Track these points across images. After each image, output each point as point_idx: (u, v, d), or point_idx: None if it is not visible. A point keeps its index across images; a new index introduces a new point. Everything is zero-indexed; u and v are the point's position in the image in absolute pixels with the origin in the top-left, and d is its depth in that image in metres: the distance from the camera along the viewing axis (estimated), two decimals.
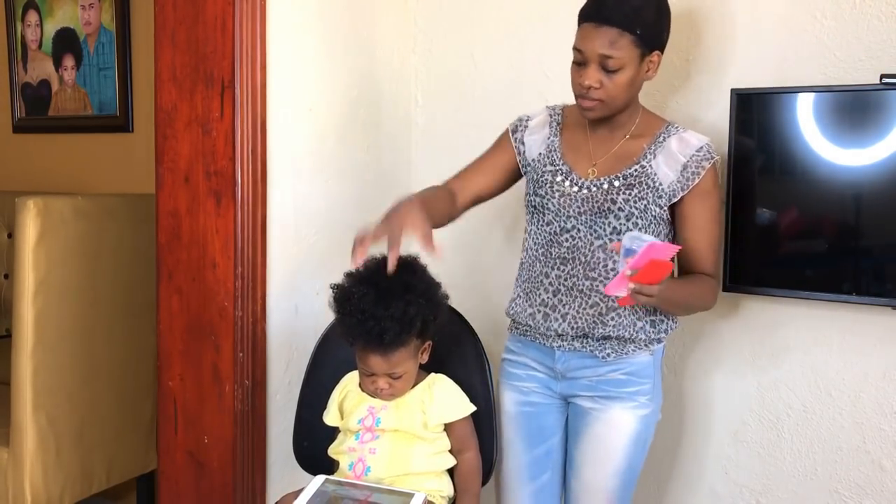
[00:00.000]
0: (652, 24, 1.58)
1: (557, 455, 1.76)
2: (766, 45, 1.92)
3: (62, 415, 2.23)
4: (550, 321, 1.67)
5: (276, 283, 1.92)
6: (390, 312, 1.46)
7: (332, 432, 1.65)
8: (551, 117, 1.77)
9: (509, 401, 1.77)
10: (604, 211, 1.63)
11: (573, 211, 1.66)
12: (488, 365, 1.71)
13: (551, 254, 1.68)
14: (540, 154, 1.74)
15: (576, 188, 1.67)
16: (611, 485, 1.69)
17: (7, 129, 3.42)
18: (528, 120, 1.79)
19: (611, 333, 1.64)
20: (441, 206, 1.68)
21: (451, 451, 1.60)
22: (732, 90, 1.87)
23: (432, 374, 1.61)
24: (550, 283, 1.68)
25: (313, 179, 2.03)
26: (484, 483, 1.68)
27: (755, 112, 1.86)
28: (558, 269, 1.67)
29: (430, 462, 1.57)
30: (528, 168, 1.75)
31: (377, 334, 1.46)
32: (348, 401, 1.62)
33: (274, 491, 1.94)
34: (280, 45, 1.89)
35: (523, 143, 1.76)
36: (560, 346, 1.68)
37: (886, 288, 1.75)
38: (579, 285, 1.65)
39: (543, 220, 1.70)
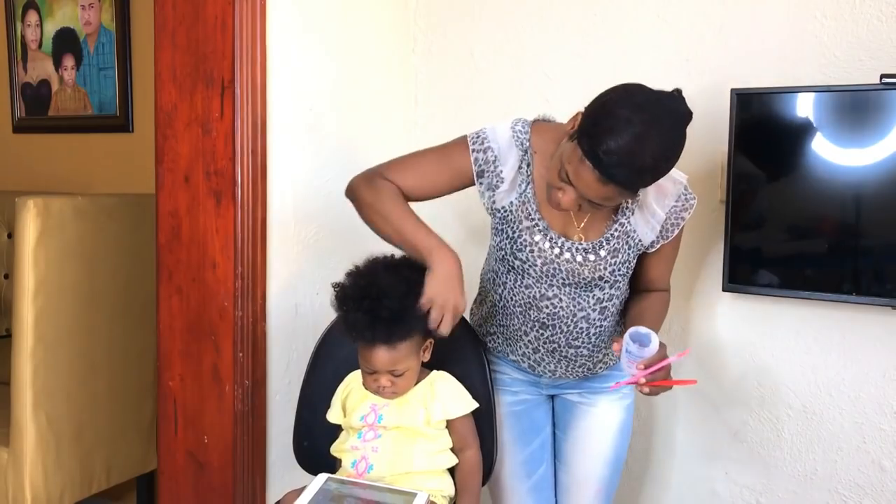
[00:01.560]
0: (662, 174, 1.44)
1: (549, 447, 1.80)
2: (766, 45, 1.92)
3: (62, 415, 2.23)
4: (539, 371, 1.71)
5: (276, 283, 1.92)
6: (400, 306, 1.47)
7: (333, 432, 1.65)
8: (522, 159, 1.58)
9: (501, 402, 1.76)
10: (590, 285, 1.59)
11: (557, 281, 1.58)
12: (488, 364, 1.70)
13: (530, 315, 1.63)
14: (511, 203, 1.58)
15: (557, 250, 1.57)
16: (601, 474, 1.75)
17: (7, 129, 3.42)
18: (496, 163, 1.57)
19: (605, 372, 1.73)
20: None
21: (452, 450, 1.60)
22: (732, 90, 1.87)
23: (434, 371, 1.61)
24: (530, 342, 1.67)
25: (313, 179, 2.03)
26: (484, 482, 1.68)
27: (755, 112, 1.86)
28: (537, 331, 1.64)
29: (432, 460, 1.57)
30: (497, 214, 1.61)
31: (384, 327, 1.46)
32: (351, 398, 1.62)
33: (274, 491, 1.94)
34: (280, 45, 1.89)
35: (491, 191, 1.59)
36: (551, 376, 1.73)
37: (886, 288, 1.75)
38: (562, 351, 1.66)
39: (522, 283, 1.62)
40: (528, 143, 1.59)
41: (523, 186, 1.58)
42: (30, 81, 3.32)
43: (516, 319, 1.66)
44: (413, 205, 1.62)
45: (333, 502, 1.45)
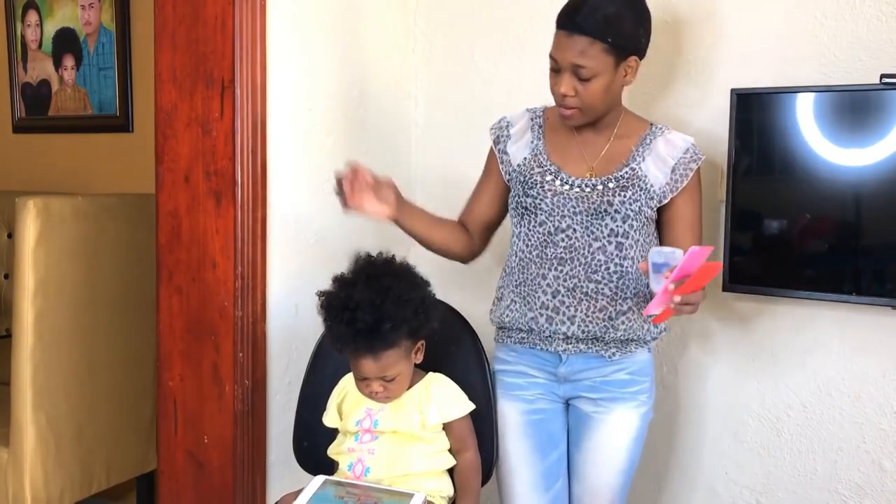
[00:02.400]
0: (626, 31, 1.56)
1: (565, 462, 1.76)
2: (766, 45, 1.92)
3: (62, 415, 2.23)
4: (556, 324, 1.64)
5: (276, 283, 1.92)
6: (377, 316, 1.46)
7: (332, 432, 1.65)
8: (532, 121, 1.75)
9: (514, 411, 1.72)
10: (600, 213, 1.63)
11: (568, 210, 1.64)
12: (488, 365, 1.70)
13: (547, 254, 1.65)
14: (525, 159, 1.71)
15: (567, 186, 1.65)
16: (614, 483, 1.72)
17: (7, 129, 3.42)
18: (509, 126, 1.76)
19: (622, 337, 1.65)
20: (434, 222, 1.77)
21: (450, 451, 1.60)
22: (732, 90, 1.87)
23: (430, 374, 1.61)
24: (549, 285, 1.65)
25: (313, 179, 2.03)
26: (484, 483, 1.68)
27: (755, 112, 1.86)
28: (556, 269, 1.64)
29: (430, 462, 1.56)
30: (513, 174, 1.72)
31: (365, 338, 1.46)
32: (346, 402, 1.62)
33: (274, 491, 1.94)
34: (280, 45, 1.89)
35: (507, 153, 1.74)
36: (566, 350, 1.67)
37: (886, 288, 1.75)
38: (582, 287, 1.63)
39: (535, 221, 1.67)
40: (540, 111, 1.77)
41: (535, 142, 1.72)
42: (30, 81, 3.32)
43: (533, 266, 1.66)
44: None
45: None
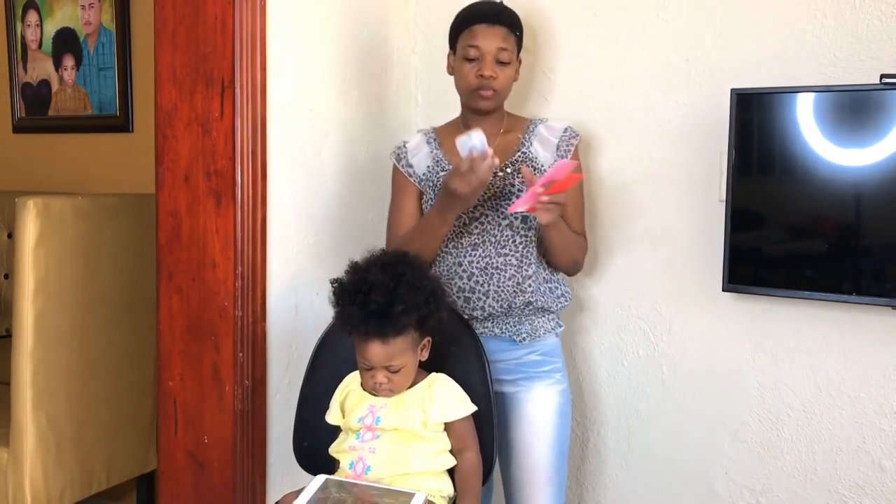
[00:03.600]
0: (522, 30, 1.84)
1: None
2: (766, 45, 1.92)
3: (62, 415, 2.23)
4: (473, 303, 1.80)
5: (276, 283, 1.92)
6: (389, 299, 1.47)
7: (333, 432, 1.65)
8: (426, 135, 1.93)
9: None
10: (506, 194, 1.81)
11: (479, 200, 1.78)
12: (488, 365, 1.70)
13: (462, 244, 1.81)
14: (428, 167, 1.87)
15: None
16: (547, 458, 1.82)
17: (7, 129, 3.42)
18: (406, 145, 1.93)
19: (529, 299, 1.80)
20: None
21: (451, 451, 1.60)
22: (732, 90, 1.87)
23: (433, 374, 1.61)
24: (464, 270, 1.80)
25: (313, 179, 2.03)
26: (483, 482, 1.68)
27: (755, 112, 1.86)
28: (470, 255, 1.80)
29: (430, 462, 1.56)
30: (422, 182, 1.87)
31: (376, 320, 1.47)
32: (349, 399, 1.62)
33: (274, 491, 1.94)
34: (280, 45, 1.89)
35: (411, 165, 1.89)
36: (482, 333, 1.79)
37: (886, 288, 1.75)
38: (494, 263, 1.80)
39: None
40: (430, 131, 1.96)
41: (433, 152, 1.89)
42: (30, 81, 3.32)
43: (449, 256, 1.82)
44: None
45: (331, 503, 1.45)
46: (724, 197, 1.92)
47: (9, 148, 3.42)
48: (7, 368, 2.18)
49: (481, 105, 1.82)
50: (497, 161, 1.64)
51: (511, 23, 1.81)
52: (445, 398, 1.57)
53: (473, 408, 1.60)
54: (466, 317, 1.80)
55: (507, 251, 1.80)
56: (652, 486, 2.17)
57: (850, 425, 1.91)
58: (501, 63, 1.78)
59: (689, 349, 2.08)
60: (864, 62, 1.81)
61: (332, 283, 1.56)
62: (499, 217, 1.81)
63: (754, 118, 1.86)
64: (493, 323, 1.82)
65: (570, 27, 2.16)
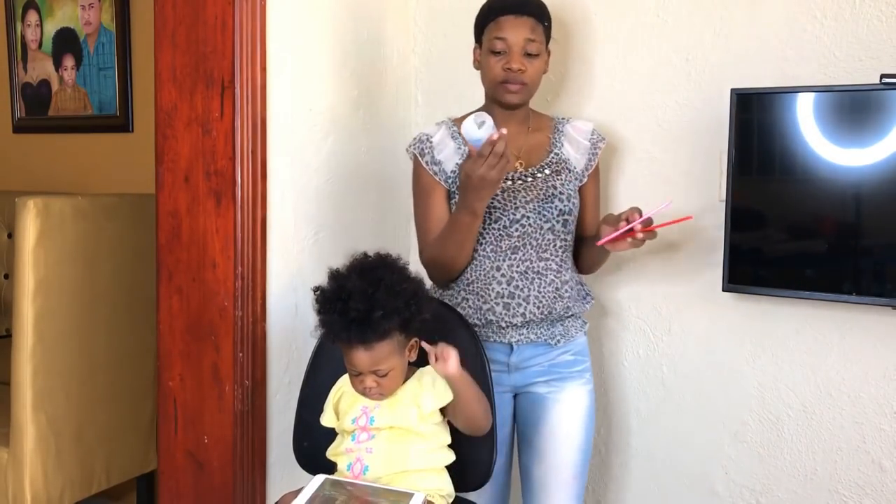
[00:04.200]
0: (550, 20, 1.79)
1: (508, 445, 1.87)
2: (766, 45, 1.92)
3: (62, 415, 2.23)
4: (513, 309, 1.75)
5: (276, 283, 1.92)
6: (368, 306, 1.47)
7: (332, 432, 1.65)
8: (449, 128, 1.84)
9: None
10: (549, 196, 1.77)
11: (520, 201, 1.75)
12: (487, 363, 1.70)
13: (501, 247, 1.76)
14: (457, 164, 1.79)
15: (510, 182, 1.77)
16: (574, 459, 1.81)
17: (7, 129, 3.42)
18: (429, 139, 1.82)
19: (568, 304, 1.79)
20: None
21: (449, 446, 1.59)
22: (732, 90, 1.87)
23: (420, 369, 1.60)
24: (503, 275, 1.75)
25: (313, 179, 2.03)
26: (483, 482, 1.68)
27: (755, 112, 1.86)
28: (510, 258, 1.75)
29: (428, 459, 1.56)
30: (450, 181, 1.79)
31: (357, 328, 1.47)
32: (343, 402, 1.62)
33: (274, 491, 1.94)
34: (280, 45, 1.89)
35: (437, 163, 1.80)
36: (518, 341, 1.78)
37: (886, 288, 1.75)
38: (534, 267, 1.76)
39: (490, 219, 1.75)
40: (451, 122, 1.86)
41: (461, 148, 1.80)
42: (30, 81, 3.32)
43: (487, 261, 1.76)
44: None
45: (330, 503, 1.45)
46: (724, 197, 1.92)
47: (9, 148, 3.42)
48: (7, 368, 2.18)
49: (509, 99, 1.76)
50: (505, 132, 1.56)
51: (539, 13, 1.75)
52: (436, 383, 1.56)
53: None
54: (504, 325, 1.76)
55: (548, 255, 1.77)
56: (652, 486, 2.17)
57: (850, 425, 1.91)
58: (530, 55, 1.72)
59: (689, 349, 2.08)
60: (864, 62, 1.81)
61: (313, 290, 1.55)
62: (540, 220, 1.76)
63: (754, 118, 1.86)
64: (528, 329, 1.78)
65: (570, 27, 2.16)
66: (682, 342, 2.08)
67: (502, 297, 1.75)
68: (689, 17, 2.01)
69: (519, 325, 1.76)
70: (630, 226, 1.61)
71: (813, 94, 1.79)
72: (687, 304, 2.07)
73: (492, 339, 1.79)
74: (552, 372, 1.81)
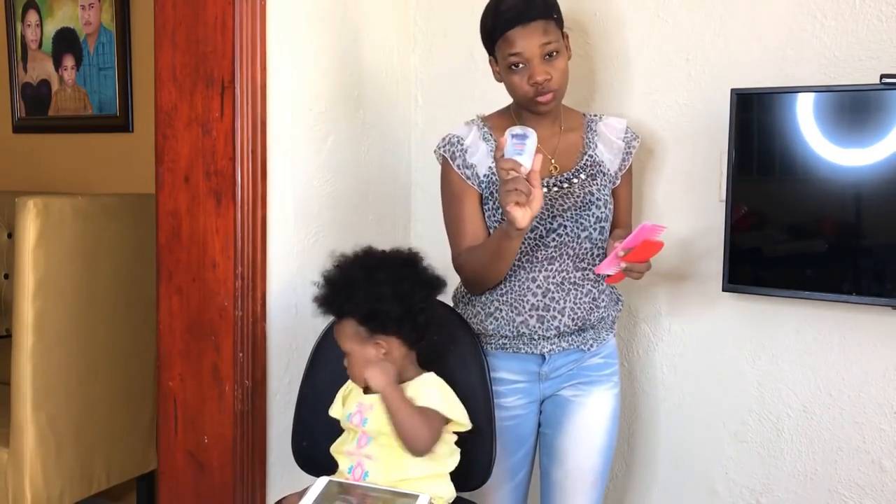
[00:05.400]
0: (556, 5, 1.68)
1: (533, 452, 1.83)
2: (766, 45, 1.92)
3: (62, 415, 2.23)
4: (547, 322, 1.68)
5: (276, 283, 1.92)
6: (334, 284, 1.54)
7: (332, 432, 1.65)
8: (480, 129, 1.74)
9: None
10: (587, 204, 1.70)
11: (557, 209, 1.68)
12: (487, 365, 1.70)
13: (537, 257, 1.68)
14: (490, 167, 1.70)
15: (545, 189, 1.67)
16: (596, 464, 1.78)
17: (7, 129, 3.42)
18: (460, 141, 1.72)
19: (603, 314, 1.73)
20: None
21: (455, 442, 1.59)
22: (732, 90, 1.87)
23: (425, 374, 1.59)
24: (538, 286, 1.67)
25: (313, 179, 2.03)
26: (480, 485, 1.68)
27: (755, 112, 1.86)
28: (546, 269, 1.68)
29: (428, 466, 1.55)
30: (482, 186, 1.71)
31: (318, 299, 1.55)
32: (350, 395, 1.63)
33: (274, 491, 1.94)
34: (280, 45, 1.89)
35: (470, 167, 1.71)
36: (550, 351, 1.71)
37: (886, 288, 1.75)
38: (570, 278, 1.69)
39: None
40: (480, 121, 1.77)
41: (493, 152, 1.69)
42: (30, 81, 3.32)
43: (521, 271, 1.68)
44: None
45: None
46: (724, 197, 1.92)
47: (9, 148, 3.42)
48: (7, 368, 2.18)
49: (543, 111, 1.67)
50: (539, 164, 1.46)
51: (544, 10, 1.63)
52: (428, 389, 1.55)
53: (454, 414, 1.54)
54: (537, 337, 1.68)
55: (585, 265, 1.70)
56: (652, 486, 2.17)
57: (850, 425, 1.91)
58: (550, 56, 1.62)
59: (689, 349, 2.08)
60: (864, 62, 1.81)
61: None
62: (578, 229, 1.68)
63: (754, 118, 1.86)
64: (561, 338, 1.71)
65: (570, 27, 2.15)
66: (682, 342, 2.08)
67: (537, 310, 1.67)
68: (689, 17, 2.00)
69: (550, 337, 1.69)
70: (613, 253, 1.56)
71: (813, 94, 1.79)
72: (687, 304, 2.07)
73: (523, 351, 1.71)
74: (581, 376, 1.76)
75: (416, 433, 1.48)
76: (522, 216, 1.47)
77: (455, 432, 1.59)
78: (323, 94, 2.04)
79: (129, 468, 2.49)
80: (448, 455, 1.58)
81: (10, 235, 3.04)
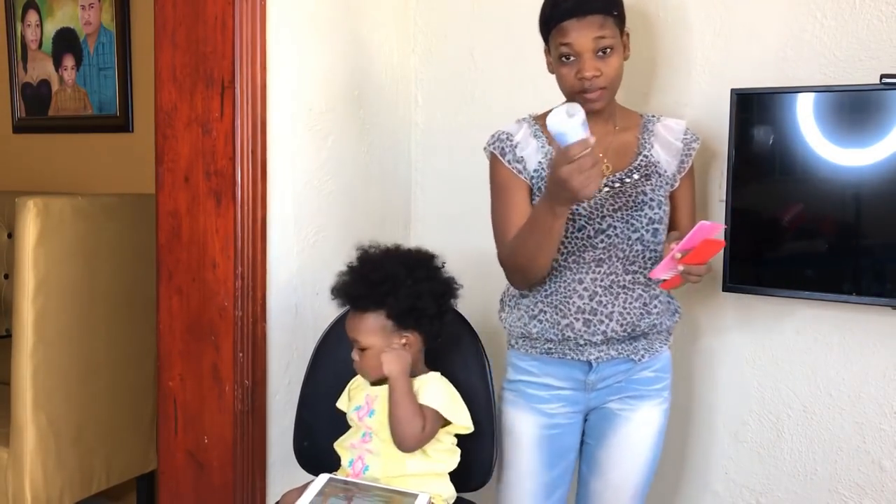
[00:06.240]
0: (621, 2, 1.62)
1: (573, 469, 1.76)
2: (766, 45, 1.92)
3: (62, 415, 2.23)
4: (594, 326, 1.62)
5: (276, 283, 1.92)
6: (372, 277, 1.53)
7: (332, 432, 1.65)
8: (531, 126, 1.70)
9: (531, 424, 1.69)
10: (639, 204, 1.63)
11: (607, 209, 1.62)
12: (489, 365, 1.70)
13: (584, 258, 1.62)
14: (539, 163, 1.66)
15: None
16: (637, 479, 1.73)
17: (7, 129, 3.42)
18: (510, 137, 1.69)
19: (655, 321, 1.66)
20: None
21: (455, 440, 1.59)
22: (732, 90, 1.87)
23: (431, 373, 1.60)
24: (585, 289, 1.62)
25: (313, 179, 2.03)
26: (483, 483, 1.68)
27: (755, 112, 1.86)
28: (594, 271, 1.62)
29: (427, 464, 1.55)
30: (533, 180, 1.66)
31: (357, 288, 1.55)
32: (357, 388, 1.63)
33: (274, 491, 1.94)
34: (280, 45, 1.89)
35: (520, 160, 1.66)
36: (598, 358, 1.65)
37: (886, 288, 1.75)
38: (620, 282, 1.63)
39: (573, 227, 1.62)
40: (532, 120, 1.72)
41: (545, 147, 1.66)
42: (30, 81, 3.32)
43: (568, 272, 1.63)
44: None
45: (334, 502, 1.45)
46: (724, 197, 1.92)
47: (9, 148, 3.42)
48: (7, 368, 2.18)
49: (591, 107, 1.57)
50: (593, 140, 1.38)
51: (604, 5, 1.56)
52: (433, 389, 1.55)
53: (456, 417, 1.55)
54: (583, 342, 1.62)
55: (635, 268, 1.63)
56: (652, 486, 2.16)
57: (850, 425, 1.91)
58: (604, 52, 1.56)
59: (688, 349, 2.08)
60: (864, 62, 1.81)
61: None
62: (628, 230, 1.62)
63: (754, 118, 1.86)
64: (609, 345, 1.64)
65: None
66: (682, 342, 2.08)
67: (583, 313, 1.61)
68: (689, 17, 2.00)
69: (599, 342, 1.63)
70: (669, 256, 1.48)
71: (813, 94, 1.79)
72: (687, 304, 2.07)
73: (569, 357, 1.65)
74: (630, 389, 1.69)
75: (410, 428, 1.49)
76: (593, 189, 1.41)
77: (456, 434, 1.60)
78: (323, 94, 2.04)
79: (129, 468, 2.49)
80: (448, 455, 1.58)
81: (10, 235, 3.04)
